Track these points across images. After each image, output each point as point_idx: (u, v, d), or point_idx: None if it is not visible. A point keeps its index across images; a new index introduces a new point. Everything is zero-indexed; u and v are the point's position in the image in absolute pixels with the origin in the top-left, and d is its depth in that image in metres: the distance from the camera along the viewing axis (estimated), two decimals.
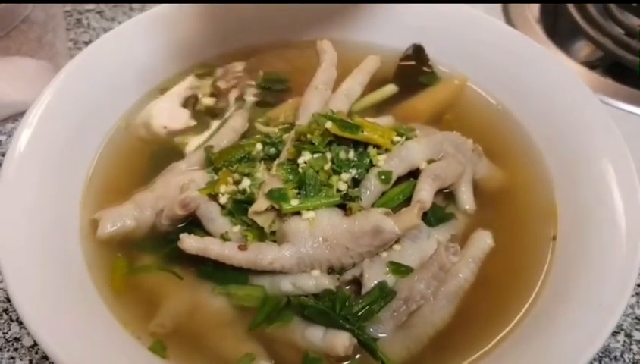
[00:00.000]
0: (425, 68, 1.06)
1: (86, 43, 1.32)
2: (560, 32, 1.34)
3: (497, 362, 0.73)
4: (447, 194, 0.88)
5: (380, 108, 1.01)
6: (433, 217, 0.83)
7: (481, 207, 0.88)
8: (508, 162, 0.94)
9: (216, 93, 1.03)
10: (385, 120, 0.96)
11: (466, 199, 0.87)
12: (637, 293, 0.95)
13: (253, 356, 0.73)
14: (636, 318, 0.93)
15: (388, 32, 1.07)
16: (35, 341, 0.88)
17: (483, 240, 0.83)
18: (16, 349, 0.88)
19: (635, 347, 0.90)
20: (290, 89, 1.03)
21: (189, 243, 0.76)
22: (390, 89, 1.03)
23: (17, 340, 0.89)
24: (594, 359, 0.89)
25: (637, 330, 0.92)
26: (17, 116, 1.16)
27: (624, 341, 0.91)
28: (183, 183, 0.83)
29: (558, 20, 1.37)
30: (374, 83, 1.03)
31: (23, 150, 0.83)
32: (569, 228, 0.85)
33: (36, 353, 0.88)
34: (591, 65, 1.28)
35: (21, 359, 0.87)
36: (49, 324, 0.70)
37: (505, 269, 0.83)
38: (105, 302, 0.78)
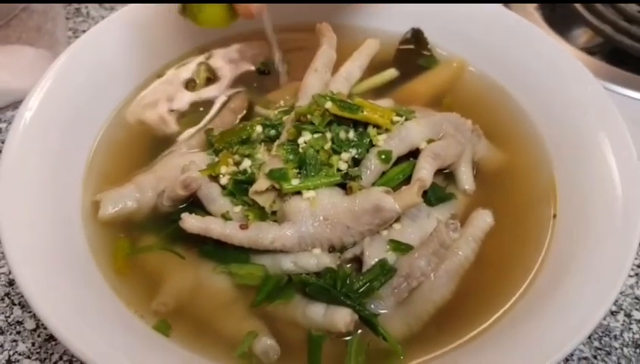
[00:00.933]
0: (424, 52, 1.07)
1: (85, 32, 1.32)
2: (558, 18, 1.34)
3: (497, 338, 0.74)
4: (447, 174, 0.88)
5: (379, 91, 1.02)
6: (433, 196, 0.83)
7: (481, 187, 0.88)
8: (507, 143, 0.94)
9: (215, 77, 1.03)
10: (385, 103, 0.96)
11: (466, 179, 0.87)
12: (636, 274, 0.96)
13: (255, 333, 0.74)
14: (636, 298, 0.93)
15: (387, 16, 1.08)
16: (37, 324, 0.89)
17: (483, 219, 0.83)
18: (18, 333, 0.88)
19: (634, 326, 0.90)
20: (290, 73, 1.03)
21: (191, 222, 0.77)
22: (391, 73, 1.04)
23: (20, 323, 0.89)
24: (595, 339, 0.89)
25: (636, 309, 0.92)
26: (17, 104, 1.16)
27: (624, 321, 0.91)
28: (184, 164, 0.83)
29: (557, 6, 1.37)
30: (374, 67, 1.03)
31: (24, 134, 0.83)
32: (568, 207, 0.85)
33: (39, 335, 0.88)
34: (590, 51, 1.28)
35: (24, 342, 0.87)
36: (54, 304, 0.70)
37: (505, 247, 0.83)
38: (108, 282, 0.78)
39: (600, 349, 0.89)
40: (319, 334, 0.74)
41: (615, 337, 0.90)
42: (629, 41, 1.24)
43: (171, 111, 0.98)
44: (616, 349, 0.89)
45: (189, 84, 1.01)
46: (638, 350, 0.88)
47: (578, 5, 1.31)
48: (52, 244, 0.78)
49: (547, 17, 1.32)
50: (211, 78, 1.03)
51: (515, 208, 0.87)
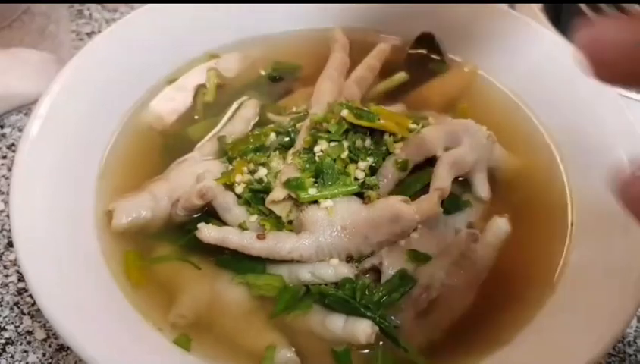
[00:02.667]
0: (434, 56, 1.06)
1: (88, 34, 1.31)
2: (564, 21, 1.34)
3: (519, 348, 0.74)
4: (462, 182, 0.88)
5: (391, 97, 1.01)
6: (450, 204, 0.83)
7: (496, 194, 0.88)
8: (522, 150, 0.94)
9: (226, 83, 1.02)
10: (397, 109, 0.96)
11: (482, 187, 0.87)
12: None
13: (274, 346, 0.73)
14: None
15: (398, 21, 1.07)
16: (48, 334, 0.88)
17: (500, 227, 0.83)
18: (29, 343, 0.87)
19: None
20: (301, 79, 1.02)
21: (208, 232, 0.76)
22: (401, 76, 1.03)
23: (30, 333, 0.88)
24: None
25: None
26: (21, 108, 1.15)
27: (637, 326, 0.92)
28: (199, 173, 0.82)
29: (563, 8, 1.36)
30: (385, 72, 1.03)
31: (33, 144, 0.81)
32: (585, 214, 0.85)
33: (49, 346, 0.87)
34: None
35: (34, 353, 0.86)
36: (68, 314, 0.69)
37: (523, 256, 0.83)
38: (124, 293, 0.77)
39: (613, 355, 0.89)
40: (342, 348, 0.73)
41: (629, 343, 0.90)
42: None
43: (183, 117, 0.97)
44: (630, 355, 0.89)
45: (200, 90, 1.00)
46: None
47: (582, 5, 1.31)
48: (66, 255, 0.76)
49: (552, 18, 1.32)
50: (223, 83, 1.01)
51: (531, 216, 0.87)
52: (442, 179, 0.79)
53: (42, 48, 1.19)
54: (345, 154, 0.80)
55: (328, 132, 0.81)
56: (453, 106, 1.00)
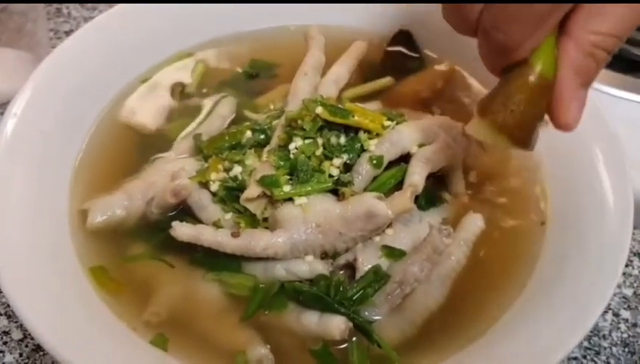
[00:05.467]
0: (412, 53, 1.06)
1: (67, 33, 1.30)
2: None
3: (491, 342, 0.74)
4: (438, 178, 0.88)
5: (367, 94, 1.01)
6: (424, 200, 0.83)
7: (472, 191, 0.88)
8: (497, 147, 0.94)
9: (203, 81, 1.01)
10: (373, 106, 0.96)
11: (457, 183, 0.87)
12: (624, 274, 0.97)
13: (244, 352, 0.73)
14: (624, 297, 0.94)
15: (375, 18, 1.07)
16: (24, 334, 0.87)
17: (474, 223, 0.83)
18: (5, 343, 0.87)
19: (622, 326, 0.92)
20: (278, 76, 1.02)
21: (182, 230, 0.76)
22: (387, 81, 1.03)
23: (6, 333, 0.88)
24: (584, 339, 0.90)
25: (624, 309, 0.93)
26: None
27: (612, 320, 0.92)
28: (173, 171, 0.82)
29: None
30: (362, 69, 1.03)
31: (7, 143, 0.81)
32: (559, 210, 0.85)
33: (26, 346, 0.87)
34: None
35: (11, 353, 0.86)
36: (42, 314, 0.68)
37: (497, 251, 0.83)
38: (98, 293, 0.77)
39: (589, 348, 0.90)
40: (320, 346, 0.73)
41: (604, 336, 0.91)
42: None
43: (159, 115, 0.96)
44: (605, 348, 0.90)
45: (176, 88, 1.00)
46: (626, 349, 0.90)
47: None
48: (40, 254, 0.76)
49: None
50: (200, 82, 1.01)
51: (506, 212, 0.87)
52: (415, 175, 0.79)
53: (19, 47, 1.19)
54: (319, 151, 0.80)
55: (303, 129, 0.81)
56: (430, 103, 1.00)
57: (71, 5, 1.35)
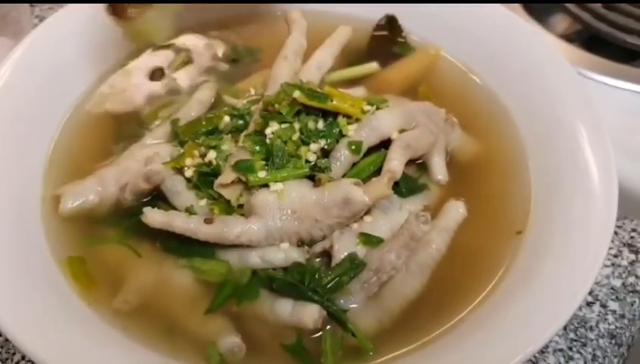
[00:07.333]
0: (398, 39, 1.04)
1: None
2: (537, 5, 1.32)
3: (471, 331, 0.72)
4: (420, 165, 0.86)
5: (352, 80, 0.99)
6: (405, 187, 0.81)
7: (455, 177, 0.86)
8: (482, 132, 0.92)
9: (183, 65, 0.99)
10: (358, 92, 0.94)
11: (439, 170, 0.85)
12: (612, 264, 0.95)
13: (214, 342, 0.71)
14: (611, 288, 0.92)
15: (360, 3, 1.05)
16: None
17: (455, 210, 0.81)
18: None
19: (610, 317, 0.89)
20: (260, 61, 1.00)
21: (153, 217, 0.74)
22: (372, 66, 1.01)
23: None
24: (570, 330, 0.88)
25: (612, 300, 0.91)
26: None
27: (599, 311, 0.90)
28: (147, 157, 0.80)
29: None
30: (347, 55, 1.01)
31: None
32: (543, 197, 0.83)
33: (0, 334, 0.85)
34: (568, 38, 1.26)
35: None
36: (8, 303, 0.67)
37: (478, 238, 0.81)
38: (68, 282, 0.75)
39: (575, 340, 0.87)
40: (293, 342, 0.71)
41: (591, 328, 0.89)
42: (607, 28, 1.23)
43: (137, 100, 0.94)
44: (592, 340, 0.88)
45: (156, 73, 0.98)
46: (613, 341, 0.87)
47: (570, 5, 1.29)
48: (10, 241, 0.75)
49: (525, 4, 1.30)
50: (180, 66, 0.99)
51: (488, 199, 0.85)
52: (394, 161, 0.77)
53: (4, 34, 1.17)
54: (296, 136, 0.78)
55: (280, 114, 0.79)
56: (415, 89, 0.98)
57: None
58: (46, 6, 1.30)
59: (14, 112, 0.85)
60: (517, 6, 1.28)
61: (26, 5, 1.21)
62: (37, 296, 0.71)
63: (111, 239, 0.79)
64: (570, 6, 1.27)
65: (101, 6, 0.88)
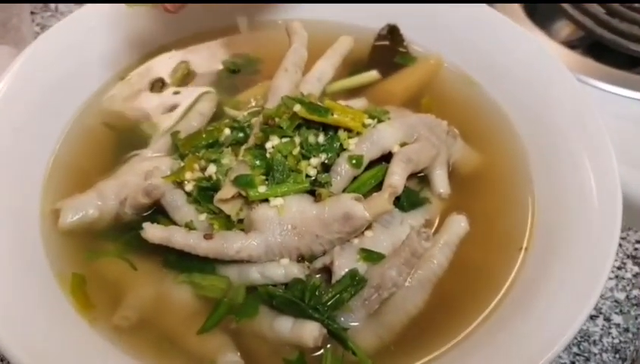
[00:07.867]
0: (400, 48, 1.03)
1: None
2: (539, 11, 1.31)
3: (474, 348, 0.71)
4: (422, 178, 0.85)
5: (354, 91, 0.98)
6: (406, 201, 0.81)
7: (457, 191, 0.85)
8: (485, 144, 0.91)
9: (183, 77, 0.99)
10: (359, 103, 0.93)
11: (441, 183, 0.84)
12: (616, 277, 0.94)
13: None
14: (615, 301, 0.91)
15: (362, 12, 1.05)
16: None
17: (458, 224, 0.81)
18: None
19: (614, 331, 0.89)
20: (261, 72, 1.00)
21: (153, 232, 0.74)
22: (372, 75, 1.00)
23: None
24: (573, 344, 0.87)
25: (616, 313, 0.90)
26: None
27: (603, 325, 0.89)
28: (147, 170, 0.80)
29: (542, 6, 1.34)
30: (349, 65, 1.00)
31: None
32: (546, 212, 0.83)
33: None
34: (571, 45, 1.26)
35: None
36: (9, 319, 0.67)
37: (481, 253, 0.80)
38: (65, 294, 0.75)
39: (578, 355, 0.87)
40: (295, 357, 0.70)
41: (594, 342, 0.88)
42: (609, 35, 1.22)
43: (137, 112, 0.94)
44: (595, 354, 0.87)
45: (156, 85, 0.97)
46: (617, 356, 0.87)
47: (566, 5, 1.28)
48: (9, 255, 0.74)
49: (528, 11, 1.29)
50: (180, 78, 0.98)
51: (491, 211, 0.84)
52: (395, 176, 0.76)
53: (4, 42, 1.17)
54: (297, 150, 0.77)
55: (280, 127, 0.79)
56: (417, 99, 0.97)
57: None
58: (48, 13, 1.30)
59: (14, 125, 0.84)
60: (520, 13, 1.27)
61: (27, 13, 1.21)
62: (35, 310, 0.71)
63: (111, 253, 0.78)
64: (573, 12, 1.26)
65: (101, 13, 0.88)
